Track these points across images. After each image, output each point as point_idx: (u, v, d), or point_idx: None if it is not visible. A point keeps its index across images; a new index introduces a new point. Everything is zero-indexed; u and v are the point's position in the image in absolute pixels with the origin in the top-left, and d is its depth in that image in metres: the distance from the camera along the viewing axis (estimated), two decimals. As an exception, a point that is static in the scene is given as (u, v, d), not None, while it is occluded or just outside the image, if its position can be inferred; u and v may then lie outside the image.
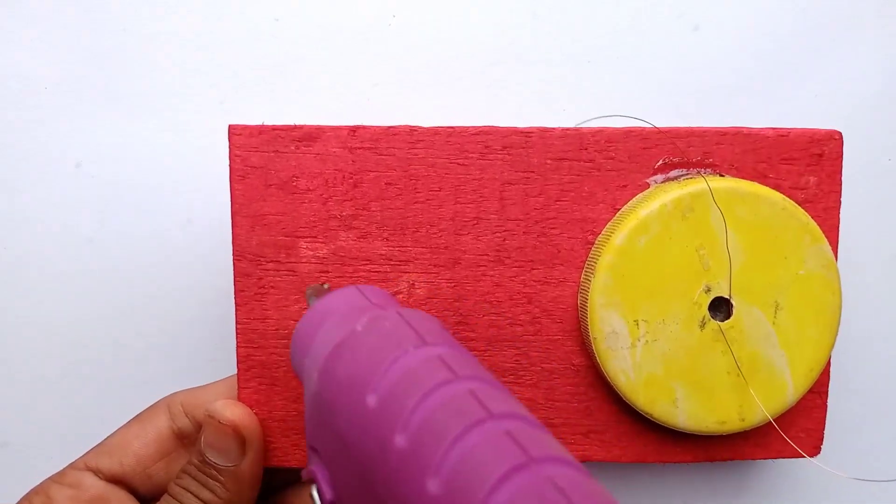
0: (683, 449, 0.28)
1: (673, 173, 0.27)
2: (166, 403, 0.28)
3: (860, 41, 0.33)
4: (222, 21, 0.32)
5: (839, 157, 0.27)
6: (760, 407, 0.26)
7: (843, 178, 0.27)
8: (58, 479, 0.26)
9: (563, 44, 0.32)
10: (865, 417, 0.34)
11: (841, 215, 0.28)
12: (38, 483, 0.26)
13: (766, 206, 0.26)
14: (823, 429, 0.28)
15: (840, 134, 0.27)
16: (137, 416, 0.28)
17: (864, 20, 0.33)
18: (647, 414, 0.26)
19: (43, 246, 0.32)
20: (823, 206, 0.27)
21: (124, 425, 0.27)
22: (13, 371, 0.33)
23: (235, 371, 0.27)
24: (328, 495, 0.19)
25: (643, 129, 0.27)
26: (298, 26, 0.32)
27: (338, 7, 0.32)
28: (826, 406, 0.28)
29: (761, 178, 0.27)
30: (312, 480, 0.19)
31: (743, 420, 0.26)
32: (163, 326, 0.33)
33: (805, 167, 0.27)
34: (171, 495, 0.25)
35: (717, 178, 0.26)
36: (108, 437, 0.27)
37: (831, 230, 0.27)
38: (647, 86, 0.32)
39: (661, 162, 0.27)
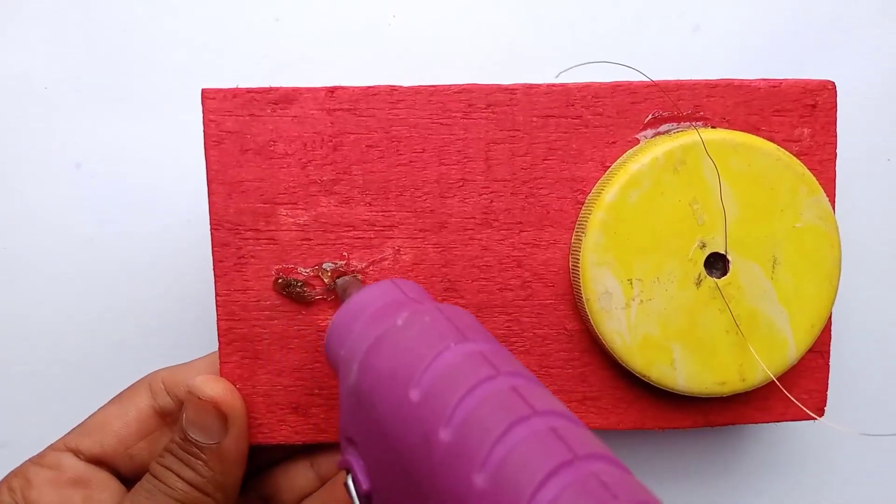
0: (683, 414, 0.27)
1: (663, 128, 0.26)
2: (147, 382, 0.27)
3: (860, 41, 0.32)
4: (222, 21, 0.32)
5: (833, 107, 0.27)
6: (761, 365, 0.25)
7: (840, 176, 0.27)
8: (37, 460, 0.25)
9: (563, 44, 0.32)
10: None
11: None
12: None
13: (760, 156, 0.25)
14: (826, 389, 0.27)
15: (833, 84, 0.27)
16: (118, 395, 0.27)
17: (864, 20, 0.33)
18: (644, 377, 0.25)
19: (43, 246, 0.32)
20: (819, 159, 0.27)
21: (104, 405, 0.26)
22: (13, 371, 0.32)
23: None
24: (365, 485, 0.19)
25: (631, 83, 0.26)
26: (298, 26, 0.32)
27: (338, 7, 0.32)
28: (828, 366, 0.27)
29: (754, 131, 0.26)
30: (348, 470, 0.19)
31: (744, 380, 0.25)
32: (163, 326, 0.32)
33: (798, 118, 0.27)
34: (152, 475, 0.24)
35: (709, 130, 0.25)
36: (88, 417, 0.26)
37: (828, 183, 0.26)
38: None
39: (650, 116, 0.26)
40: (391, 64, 0.32)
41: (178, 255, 0.32)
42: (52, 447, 0.25)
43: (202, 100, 0.25)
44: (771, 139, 0.26)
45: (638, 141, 0.26)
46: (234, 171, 0.25)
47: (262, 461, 0.28)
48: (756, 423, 0.28)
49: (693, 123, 0.26)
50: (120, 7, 0.31)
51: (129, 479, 0.26)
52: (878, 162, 0.33)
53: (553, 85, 0.26)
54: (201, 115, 0.25)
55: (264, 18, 0.32)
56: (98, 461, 0.25)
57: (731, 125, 0.26)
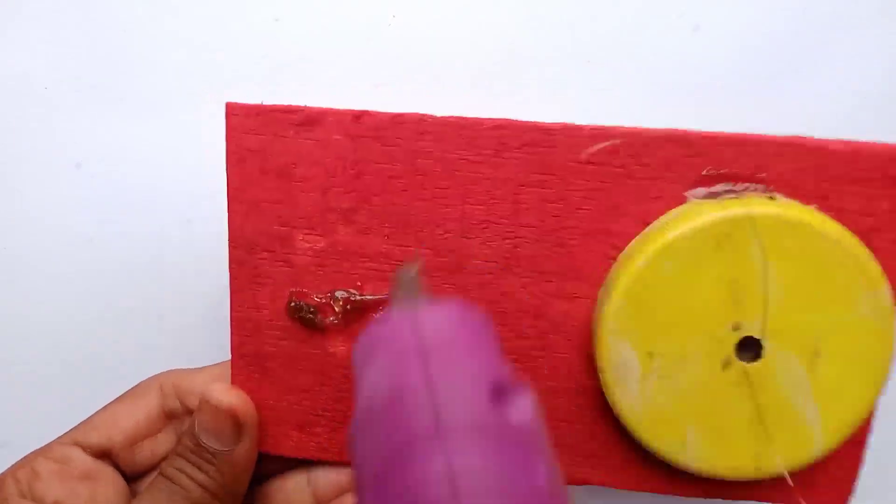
0: (692, 484, 0.26)
1: (717, 187, 0.24)
2: (158, 382, 0.27)
3: (860, 41, 0.31)
4: (222, 21, 0.31)
5: (922, 180, 0.23)
6: (781, 468, 0.23)
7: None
8: (43, 452, 0.26)
9: (563, 44, 0.30)
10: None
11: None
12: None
13: (818, 239, 0.22)
14: (854, 480, 0.25)
15: (927, 153, 0.23)
16: (128, 392, 0.28)
17: (864, 20, 0.31)
18: (652, 451, 0.24)
19: (43, 246, 0.32)
20: (893, 238, 0.23)
21: (114, 401, 0.27)
22: (13, 371, 0.33)
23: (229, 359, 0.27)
24: None
25: (686, 132, 0.23)
26: (298, 26, 0.31)
27: (338, 7, 0.31)
28: (861, 458, 0.25)
29: (822, 201, 0.23)
30: None
31: (758, 469, 0.24)
32: (163, 326, 0.33)
33: (879, 190, 0.23)
34: (164, 476, 0.25)
35: (766, 199, 0.23)
36: (96, 412, 0.27)
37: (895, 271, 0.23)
38: (646, 86, 0.30)
39: (704, 172, 0.23)
40: (391, 64, 0.31)
41: (178, 255, 0.32)
42: (58, 441, 0.26)
43: (227, 115, 0.24)
44: (841, 211, 0.23)
45: (686, 199, 0.24)
46: (254, 192, 0.25)
47: (259, 471, 0.29)
48: (773, 502, 0.26)
49: (751, 185, 0.23)
50: (120, 7, 0.31)
51: (128, 477, 0.27)
52: None
53: (596, 128, 0.24)
54: (224, 130, 0.25)
55: (264, 18, 0.31)
56: (104, 456, 0.27)
57: (797, 191, 0.23)
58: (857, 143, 0.23)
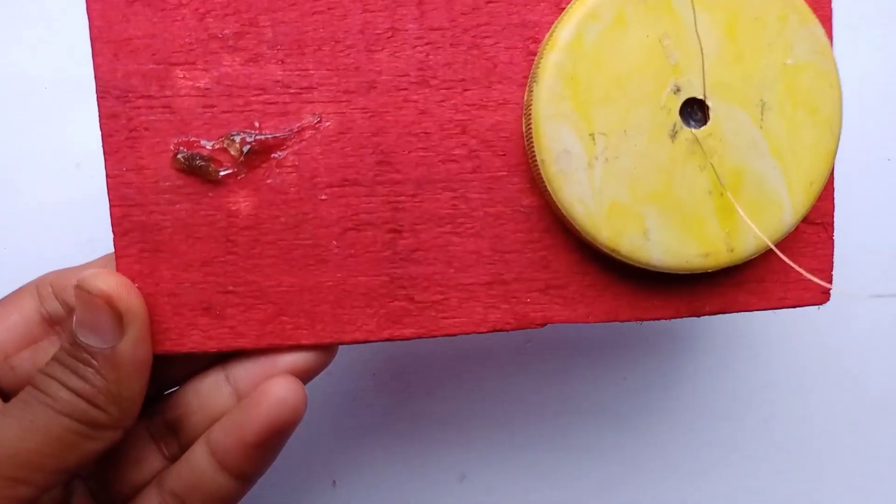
0: (662, 301, 0.23)
1: (627, -39, 0.22)
2: (35, 285, 0.23)
3: (860, 41, 0.32)
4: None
5: (830, -69, 0.23)
6: (753, 229, 0.21)
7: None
8: None
9: None
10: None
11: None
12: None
13: (742, -20, 0.21)
14: (832, 267, 0.24)
15: None
16: (0, 299, 0.23)
17: (864, 20, 0.32)
18: (612, 251, 0.21)
19: (43, 246, 0.32)
20: (811, -5, 0.23)
21: None
22: None
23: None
24: None
25: (588, -90, 0.22)
26: None
27: None
28: (832, 240, 0.24)
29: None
30: None
31: (732, 250, 0.21)
32: None
33: (787, -53, 0.22)
34: (34, 386, 0.20)
35: (680, -47, 0.21)
36: None
37: (824, 21, 0.22)
38: None
39: (612, -51, 0.22)
40: None
41: None
42: None
43: (77, -57, 0.21)
44: (755, -29, 0.22)
45: (598, -22, 0.22)
46: (121, 27, 0.21)
47: (169, 378, 0.24)
48: (750, 310, 0.24)
49: (662, -45, 0.22)
50: None
51: (9, 395, 0.22)
52: (878, 162, 0.34)
53: (495, -86, 0.22)
54: (77, -39, 0.21)
55: None
56: None
57: (708, -44, 0.22)
58: None
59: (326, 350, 0.23)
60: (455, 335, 0.23)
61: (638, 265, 0.22)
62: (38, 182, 0.32)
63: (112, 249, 0.22)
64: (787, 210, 0.21)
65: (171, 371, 0.24)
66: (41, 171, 0.32)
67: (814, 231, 0.23)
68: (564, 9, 0.22)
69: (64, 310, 0.23)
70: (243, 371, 0.23)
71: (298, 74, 0.22)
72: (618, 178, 0.21)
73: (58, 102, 0.32)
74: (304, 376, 0.23)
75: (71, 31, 0.31)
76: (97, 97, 0.22)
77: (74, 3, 0.29)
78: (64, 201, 0.32)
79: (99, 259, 0.24)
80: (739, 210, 0.21)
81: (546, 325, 0.23)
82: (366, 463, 0.32)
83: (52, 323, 0.23)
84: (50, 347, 0.23)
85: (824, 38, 0.21)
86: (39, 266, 0.30)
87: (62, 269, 0.24)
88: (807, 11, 0.21)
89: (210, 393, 0.23)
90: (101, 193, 0.30)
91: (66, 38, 0.31)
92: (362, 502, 0.33)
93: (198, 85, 0.22)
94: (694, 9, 0.21)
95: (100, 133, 0.22)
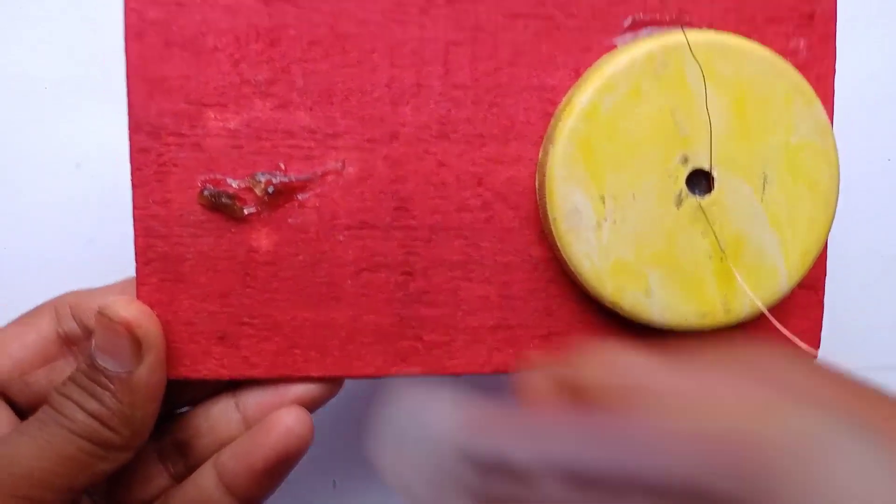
0: (661, 350, 0.24)
1: (643, 32, 0.23)
2: (53, 305, 0.24)
3: (860, 41, 0.32)
4: None
5: (833, 18, 0.24)
6: (748, 293, 0.22)
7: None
8: None
9: None
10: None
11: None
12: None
13: (752, 62, 0.22)
14: (821, 328, 0.25)
15: (832, -8, 0.24)
16: (20, 317, 0.24)
17: (864, 20, 0.32)
18: (614, 306, 0.22)
19: (43, 246, 0.32)
20: (816, 74, 0.24)
21: (3, 326, 0.23)
22: None
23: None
24: None
25: (609, -18, 0.23)
26: None
27: None
28: (822, 303, 0.25)
29: (745, 39, 0.23)
30: None
31: (728, 312, 0.23)
32: None
33: (794, 28, 0.24)
34: (50, 405, 0.21)
35: (696, 31, 0.23)
36: None
37: (826, 101, 0.24)
38: None
39: (630, 20, 0.23)
40: None
41: None
42: None
43: (122, -16, 0.22)
44: (763, 50, 0.23)
45: (615, 47, 0.23)
46: (157, 67, 0.22)
47: (180, 400, 0.25)
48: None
49: (677, 28, 0.23)
50: (120, 7, 0.30)
51: (24, 410, 0.23)
52: (878, 162, 0.33)
53: (521, -20, 0.23)
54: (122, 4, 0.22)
55: None
56: None
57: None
58: (768, -17, 0.24)
59: (334, 382, 0.24)
60: (460, 375, 0.24)
61: (638, 321, 0.23)
62: (38, 182, 0.32)
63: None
64: (783, 277, 0.23)
65: (183, 393, 0.24)
66: (41, 171, 0.32)
67: (805, 294, 0.25)
68: (582, 75, 0.23)
69: (81, 331, 0.24)
70: (253, 399, 0.24)
71: (325, 122, 0.23)
72: (624, 239, 0.22)
73: (58, 102, 0.31)
74: (312, 406, 0.24)
75: (71, 31, 0.31)
76: (129, 131, 0.22)
77: (74, 3, 0.31)
78: (64, 201, 0.32)
79: (118, 283, 0.24)
80: (737, 276, 0.22)
81: (547, 371, 0.24)
82: (366, 463, 0.32)
83: (69, 343, 0.24)
84: (65, 366, 0.24)
85: (825, 119, 0.22)
86: (39, 266, 0.31)
87: (81, 290, 0.24)
88: (811, 93, 0.22)
89: (220, 418, 0.24)
90: (101, 193, 0.31)
91: (66, 38, 0.31)
92: (362, 502, 0.33)
93: (228, 126, 0.23)
94: (706, 86, 0.22)
95: (129, 166, 0.22)
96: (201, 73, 0.22)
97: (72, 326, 0.23)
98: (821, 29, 0.24)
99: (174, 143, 0.22)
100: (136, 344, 0.21)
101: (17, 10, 0.31)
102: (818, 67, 0.24)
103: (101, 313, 0.22)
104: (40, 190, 0.32)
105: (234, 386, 0.24)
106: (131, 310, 0.22)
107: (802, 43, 0.24)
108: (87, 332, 0.24)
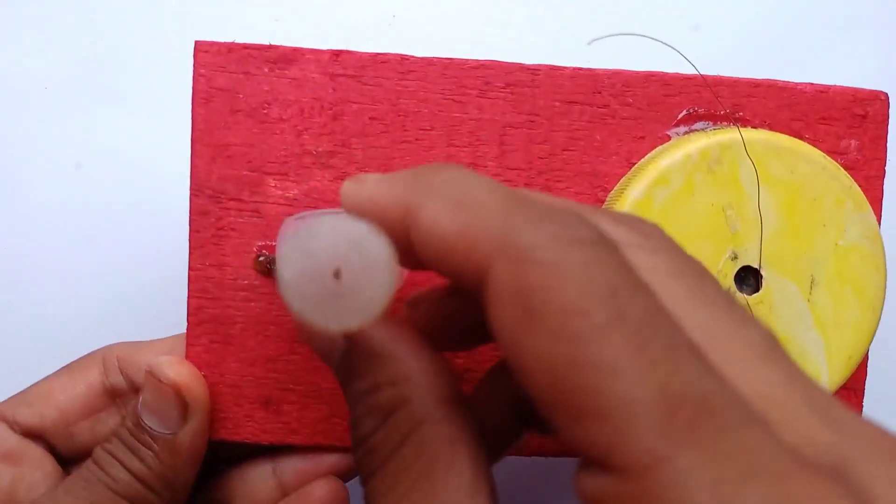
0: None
1: (698, 125, 0.24)
2: (101, 355, 0.24)
3: (860, 41, 0.32)
4: (222, 21, 0.32)
5: (885, 120, 0.24)
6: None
7: (887, 214, 0.24)
8: None
9: (563, 44, 0.32)
10: None
11: (885, 229, 0.24)
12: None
13: (805, 163, 0.22)
14: (857, 430, 0.25)
15: (887, 95, 0.24)
16: (67, 365, 0.24)
17: (864, 20, 0.32)
18: (657, 398, 0.22)
19: (43, 246, 0.32)
20: (865, 175, 0.24)
21: (50, 375, 0.24)
22: (13, 371, 0.30)
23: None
24: None
25: (665, 74, 0.24)
26: (298, 26, 0.32)
27: (338, 7, 0.32)
28: (862, 406, 0.25)
29: (796, 137, 0.24)
30: None
31: (768, 411, 0.23)
32: (162, 327, 0.30)
33: (846, 129, 0.24)
34: (94, 461, 0.21)
35: (751, 130, 0.23)
36: (30, 385, 0.23)
37: (874, 202, 0.24)
38: None
39: (684, 112, 0.24)
40: None
41: (178, 255, 0.30)
42: None
43: (194, 52, 0.23)
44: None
45: (669, 138, 0.24)
46: (222, 133, 0.23)
47: (219, 459, 0.25)
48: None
49: (731, 124, 0.24)
50: (119, 7, 0.32)
51: (66, 459, 0.23)
52: None
53: (579, 69, 0.24)
54: (192, 68, 0.23)
55: (264, 18, 0.32)
56: (35, 435, 0.23)
57: (773, 129, 0.24)
58: (824, 85, 0.24)
59: None
60: (496, 455, 0.24)
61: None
62: (38, 182, 0.32)
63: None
64: (825, 380, 0.23)
65: (223, 453, 0.25)
66: (41, 171, 0.32)
67: (845, 395, 0.25)
68: (634, 164, 0.24)
69: (127, 385, 0.24)
70: (290, 466, 0.24)
71: (381, 195, 0.23)
72: (670, 332, 0.22)
73: (58, 102, 0.31)
74: (347, 476, 0.24)
75: (71, 31, 0.31)
76: (190, 194, 0.23)
77: (74, 3, 0.31)
78: (64, 201, 0.32)
79: (167, 339, 0.25)
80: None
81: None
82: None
83: (114, 395, 0.24)
84: (109, 419, 0.24)
85: (875, 225, 0.23)
86: (39, 266, 0.31)
87: (131, 344, 0.25)
88: (861, 198, 0.23)
89: (256, 482, 0.24)
90: (101, 194, 0.31)
91: (66, 38, 0.31)
92: (362, 501, 0.33)
93: (287, 195, 0.23)
94: (759, 185, 0.22)
95: (188, 229, 0.23)
96: (265, 142, 0.23)
97: (118, 380, 0.24)
98: (872, 131, 0.24)
99: (234, 208, 0.23)
100: (183, 406, 0.22)
101: (17, 10, 0.31)
102: (868, 169, 0.24)
103: (151, 373, 0.22)
104: (40, 190, 0.32)
105: (271, 449, 0.24)
106: (181, 371, 0.22)
107: (853, 143, 0.24)
108: (133, 387, 0.24)
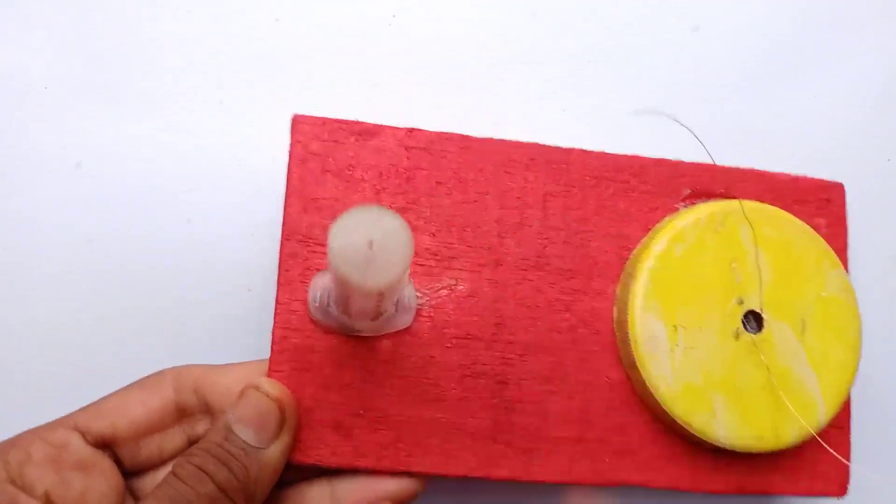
0: (715, 476, 0.27)
1: (699, 201, 0.29)
2: (171, 375, 0.25)
3: (860, 41, 0.32)
4: (222, 21, 0.32)
5: (843, 204, 0.30)
6: (798, 419, 0.26)
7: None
8: (44, 434, 0.23)
9: (563, 44, 0.32)
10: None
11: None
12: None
13: (790, 227, 0.28)
14: (848, 467, 0.28)
15: (842, 186, 0.30)
16: (140, 380, 0.25)
17: (864, 20, 0.32)
18: (685, 424, 0.26)
19: (43, 246, 0.31)
20: (833, 246, 0.30)
21: (124, 388, 0.25)
22: (13, 371, 0.31)
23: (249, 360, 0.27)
24: None
25: (673, 161, 0.29)
26: (298, 26, 0.32)
27: (338, 7, 0.32)
28: (849, 441, 0.29)
29: (778, 214, 0.29)
30: None
31: (778, 438, 0.26)
32: (162, 327, 0.31)
33: (815, 209, 0.30)
34: (176, 475, 0.23)
35: (748, 201, 0.28)
36: (103, 397, 0.25)
37: (840, 251, 0.29)
38: (647, 86, 0.33)
39: (688, 190, 0.29)
40: (391, 64, 0.32)
41: (179, 255, 0.31)
42: (61, 422, 0.24)
43: (293, 124, 0.27)
44: (792, 224, 0.29)
45: (677, 209, 0.29)
46: (312, 189, 0.27)
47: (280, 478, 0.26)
48: (784, 494, 0.28)
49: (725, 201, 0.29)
50: (119, 7, 0.31)
51: (129, 472, 0.24)
52: (879, 162, 0.33)
53: (605, 154, 0.29)
54: (290, 137, 0.27)
55: (264, 18, 0.32)
56: (104, 445, 0.24)
57: (759, 207, 0.29)
58: (797, 176, 0.30)
59: (422, 480, 0.26)
60: (542, 483, 0.26)
61: (705, 440, 0.26)
62: (38, 182, 0.31)
63: (109, 251, 0.26)
64: (822, 411, 0.27)
65: (284, 473, 0.26)
66: (41, 171, 0.31)
67: (834, 433, 0.28)
68: (652, 228, 0.29)
69: (197, 405, 0.26)
70: (348, 488, 0.25)
71: (444, 246, 0.27)
72: (693, 364, 0.26)
73: (58, 102, 0.31)
74: (399, 502, 0.26)
75: (71, 31, 0.31)
76: (282, 238, 0.26)
77: (74, 2, 0.32)
78: (64, 201, 0.31)
79: (241, 364, 0.26)
80: (787, 404, 0.26)
81: (621, 485, 0.27)
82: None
83: (183, 414, 0.26)
84: (175, 436, 0.25)
85: (847, 280, 0.28)
86: (39, 266, 0.31)
87: (205, 367, 0.26)
88: (835, 259, 0.28)
89: (314, 502, 0.25)
90: (101, 194, 0.31)
91: (66, 38, 0.31)
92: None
93: (365, 242, 0.27)
94: (755, 244, 0.27)
95: (278, 269, 0.26)
96: (348, 197, 0.27)
97: (189, 399, 0.25)
98: (835, 211, 0.30)
99: (319, 251, 0.27)
100: (281, 422, 0.24)
101: (17, 10, 0.31)
102: (834, 243, 0.30)
103: (256, 388, 0.24)
104: (40, 190, 0.31)
105: (330, 470, 0.26)
106: (283, 391, 0.24)
107: (823, 221, 0.30)
108: (204, 407, 0.26)
